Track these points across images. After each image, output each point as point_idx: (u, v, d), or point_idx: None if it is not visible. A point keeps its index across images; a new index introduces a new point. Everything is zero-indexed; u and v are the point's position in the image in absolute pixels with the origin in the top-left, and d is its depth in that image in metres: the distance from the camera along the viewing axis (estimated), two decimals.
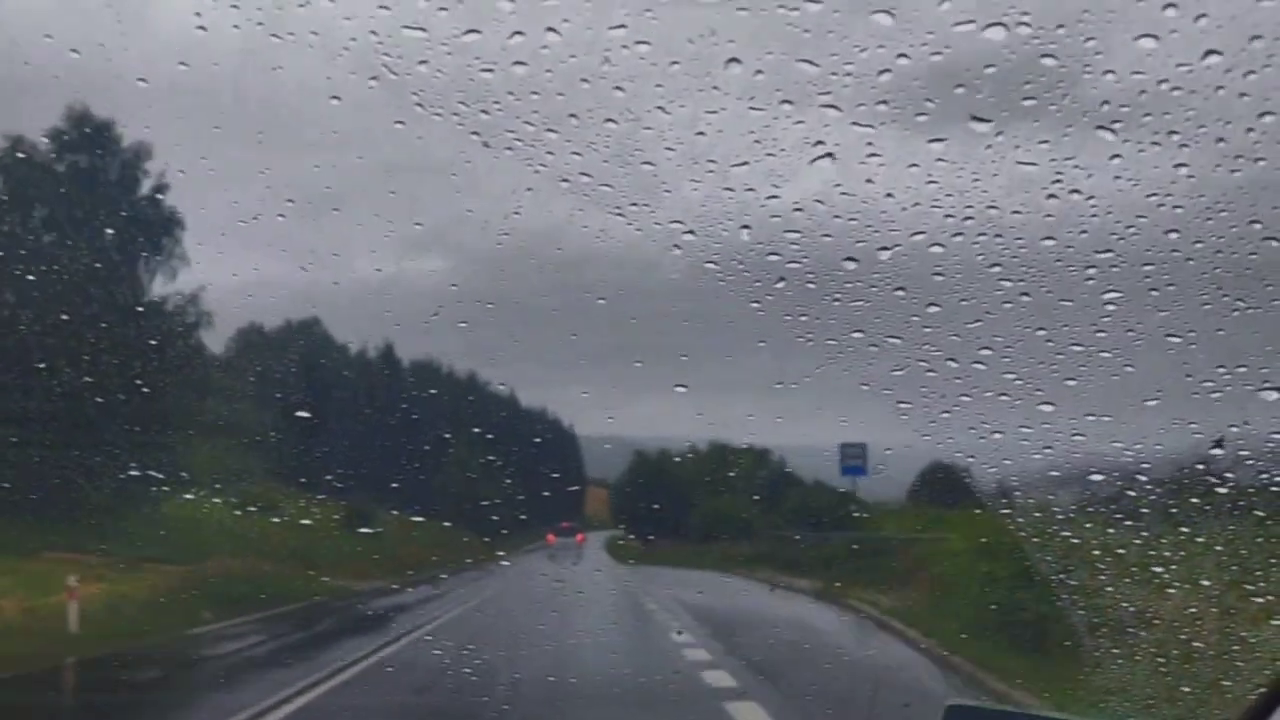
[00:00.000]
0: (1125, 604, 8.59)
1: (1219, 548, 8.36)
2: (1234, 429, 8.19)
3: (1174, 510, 8.50)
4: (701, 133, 5.86)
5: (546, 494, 29.77)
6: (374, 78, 5.62)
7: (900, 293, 6.80)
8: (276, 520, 23.28)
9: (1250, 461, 7.51)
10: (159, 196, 24.85)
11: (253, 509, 23.02)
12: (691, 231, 6.41)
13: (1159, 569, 8.48)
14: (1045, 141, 5.85)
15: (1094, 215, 6.37)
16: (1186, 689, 8.28)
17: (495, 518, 25.42)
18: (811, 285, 6.65)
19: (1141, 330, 7.03)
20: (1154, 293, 6.70)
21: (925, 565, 20.61)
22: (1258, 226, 6.23)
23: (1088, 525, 8.75)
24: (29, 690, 13.07)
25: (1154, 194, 6.16)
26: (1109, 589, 8.57)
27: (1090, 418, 8.03)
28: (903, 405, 8.08)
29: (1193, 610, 8.27)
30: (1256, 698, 2.63)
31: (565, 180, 6.11)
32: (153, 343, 21.52)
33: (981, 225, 6.38)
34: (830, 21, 5.26)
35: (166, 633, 16.73)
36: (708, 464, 31.91)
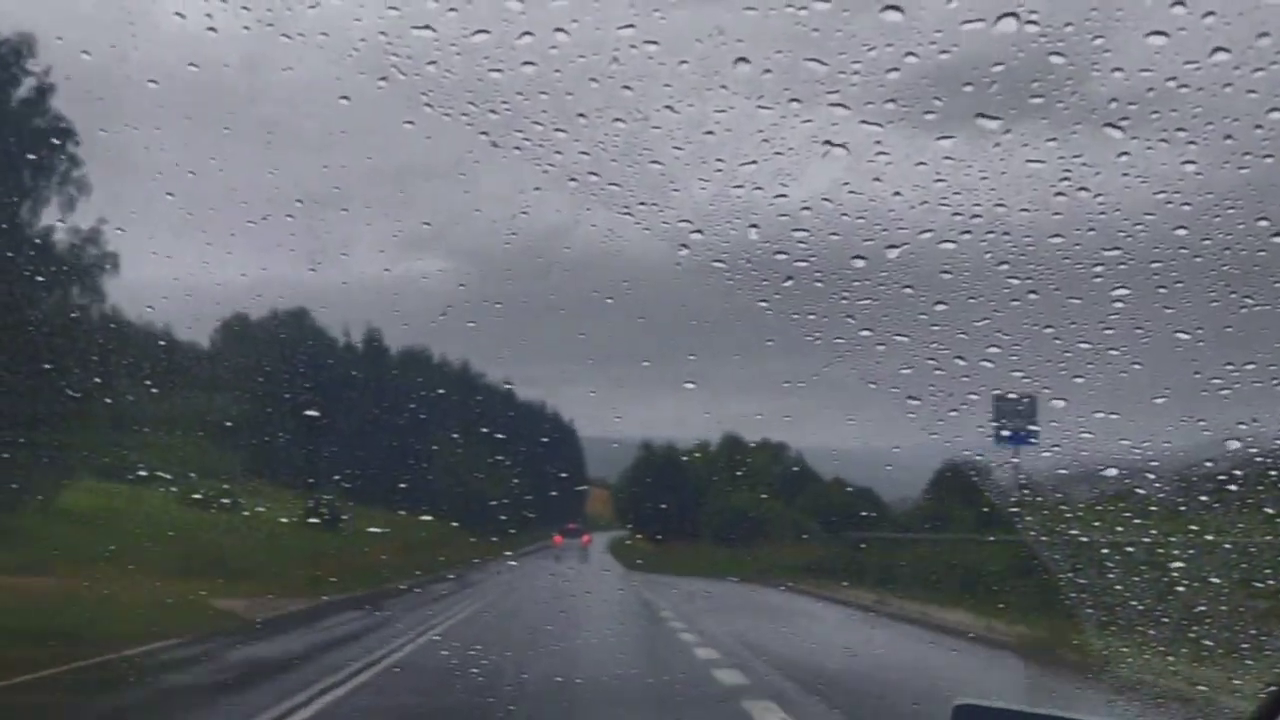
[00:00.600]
0: (1134, 602, 8.58)
1: (1228, 545, 8.36)
2: (1243, 426, 8.20)
3: (1183, 508, 8.51)
4: (710, 132, 5.89)
5: (551, 494, 28.77)
6: (383, 78, 5.66)
7: (908, 291, 6.81)
8: (242, 515, 21.69)
9: (1259, 459, 7.51)
10: (46, 102, 19.31)
11: (203, 500, 21.15)
12: (700, 230, 6.44)
13: (1168, 566, 8.48)
14: (1053, 139, 5.86)
15: (1102, 213, 6.38)
16: (1197, 687, 8.29)
17: (502, 517, 24.36)
18: (819, 284, 6.67)
19: (1149, 328, 7.03)
20: (1162, 290, 6.70)
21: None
22: (1265, 223, 6.24)
23: (1096, 523, 8.76)
24: None
25: (1161, 191, 6.17)
26: (1118, 587, 8.57)
27: (1099, 415, 8.05)
28: (911, 402, 8.11)
29: (1202, 608, 8.26)
30: (1267, 696, 2.63)
31: (573, 179, 6.14)
32: (43, 293, 18.54)
33: (989, 223, 6.40)
34: (838, 20, 5.28)
35: None
36: (719, 460, 29.77)
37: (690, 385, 9.81)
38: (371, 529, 23.11)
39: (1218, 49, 5.42)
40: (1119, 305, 6.86)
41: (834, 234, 6.44)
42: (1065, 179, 6.17)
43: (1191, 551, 8.51)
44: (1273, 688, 2.76)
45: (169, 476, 20.43)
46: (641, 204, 6.37)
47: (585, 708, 11.05)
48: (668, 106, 5.71)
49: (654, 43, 5.31)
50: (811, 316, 6.87)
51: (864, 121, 5.81)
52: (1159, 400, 7.63)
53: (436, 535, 25.62)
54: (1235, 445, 7.90)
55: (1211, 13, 5.31)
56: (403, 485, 23.52)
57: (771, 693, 11.48)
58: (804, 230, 6.42)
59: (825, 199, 6.30)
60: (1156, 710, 8.24)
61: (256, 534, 21.65)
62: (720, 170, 6.09)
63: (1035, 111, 5.70)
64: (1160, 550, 8.70)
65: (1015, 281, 6.76)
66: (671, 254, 6.55)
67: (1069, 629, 11.22)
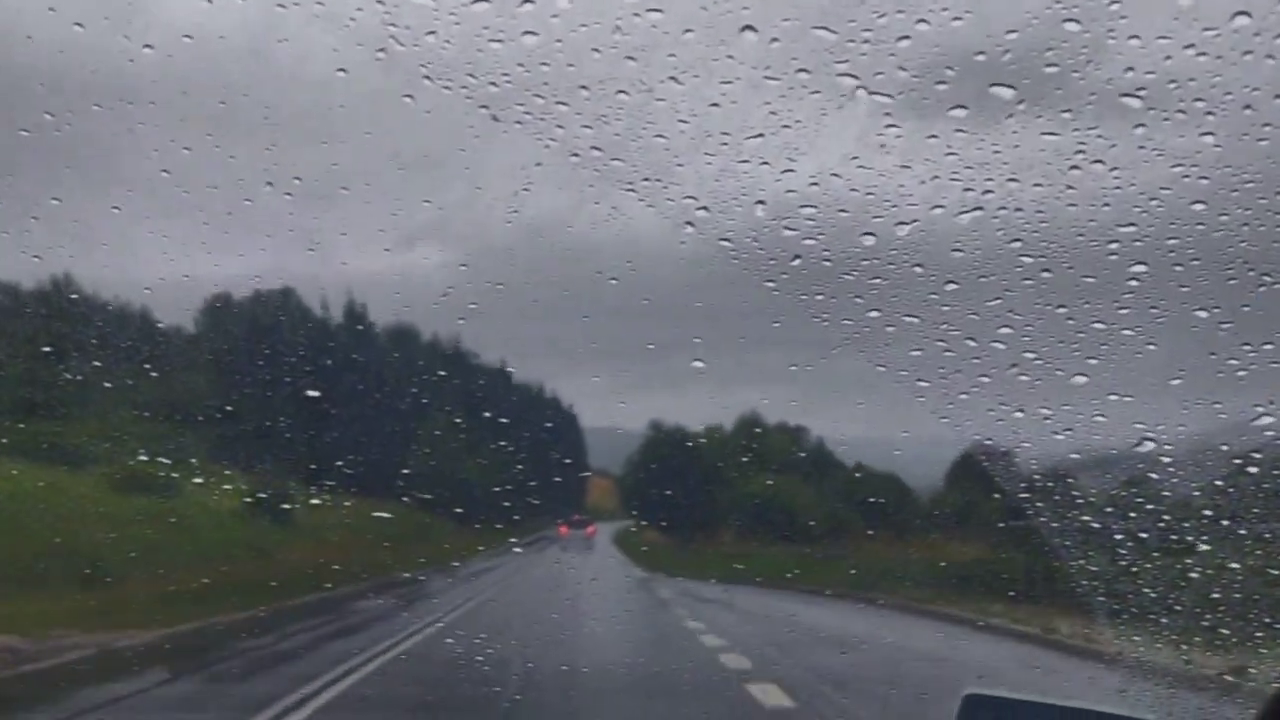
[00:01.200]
0: (1147, 590, 8.44)
1: (1243, 531, 8.22)
2: (1260, 409, 8.05)
3: (1197, 493, 8.37)
4: (715, 104, 5.75)
5: (553, 481, 26.52)
6: (381, 49, 5.53)
7: (918, 269, 6.67)
8: (171, 503, 19.05)
9: (1278, 442, 7.36)
10: None
11: (138, 484, 18.94)
12: (705, 207, 6.29)
13: (1181, 554, 8.36)
14: (1068, 110, 5.71)
15: (1117, 188, 6.23)
16: (1210, 676, 8.15)
17: (495, 507, 21.85)
18: (828, 262, 6.52)
19: (1165, 307, 6.88)
20: (1178, 268, 6.55)
21: None
22: None
23: (1109, 509, 8.61)
24: None
25: (1179, 165, 6.02)
26: (1131, 572, 8.44)
27: (1113, 397, 7.89)
28: (921, 384, 7.96)
29: (1216, 596, 8.13)
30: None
31: (576, 155, 6.00)
32: None
33: (1001, 199, 6.25)
34: None
35: None
36: (733, 442, 26.46)
37: (699, 364, 9.63)
38: (372, 519, 20.30)
39: (1238, 13, 5.27)
40: (1134, 284, 6.71)
41: (842, 210, 6.30)
42: (1080, 152, 6.02)
43: (1205, 538, 8.36)
44: None
45: (103, 460, 18.93)
46: (645, 180, 6.24)
47: None
48: (672, 78, 5.57)
49: (658, 10, 5.17)
50: (819, 296, 6.72)
51: (874, 93, 5.65)
52: (1174, 382, 7.47)
53: (412, 527, 23.01)
54: (1263, 422, 7.77)
55: None
56: (382, 471, 21.55)
57: None
58: (812, 207, 6.28)
59: (834, 174, 6.16)
60: (1169, 699, 8.10)
61: (181, 524, 18.66)
62: (726, 145, 5.95)
63: (1050, 81, 5.55)
64: (1174, 537, 8.57)
65: (1028, 259, 6.61)
66: (676, 232, 6.42)
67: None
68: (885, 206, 6.28)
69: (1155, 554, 8.61)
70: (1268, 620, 8.00)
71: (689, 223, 6.29)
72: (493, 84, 5.57)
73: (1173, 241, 6.41)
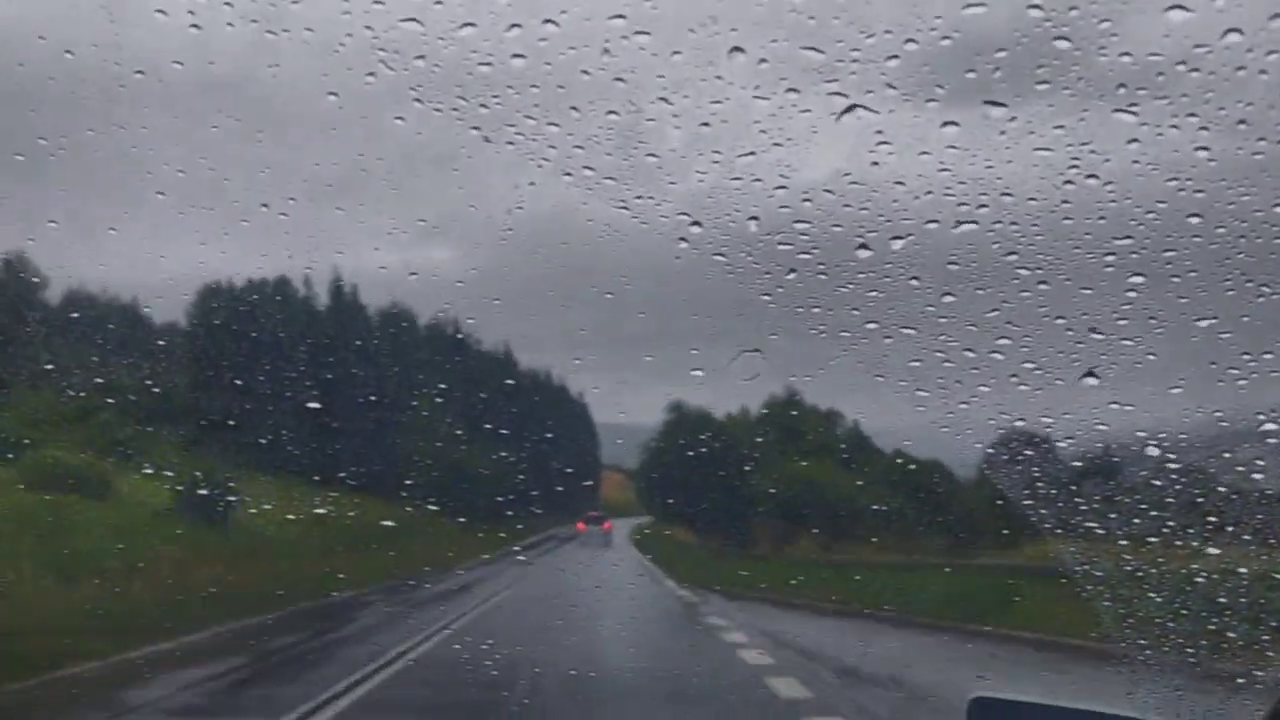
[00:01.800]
0: (1152, 594, 8.42)
1: (1247, 537, 8.19)
2: (1261, 416, 8.01)
3: (1200, 500, 8.34)
4: (706, 124, 5.76)
5: (566, 473, 24.12)
6: (371, 73, 5.55)
7: (914, 282, 6.67)
8: (85, 499, 16.56)
9: None
10: None
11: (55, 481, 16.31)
12: (698, 223, 6.31)
13: (1186, 559, 8.33)
14: (1060, 126, 5.70)
15: (1112, 200, 6.21)
16: (1216, 680, 8.13)
17: (489, 503, 19.74)
18: (823, 276, 6.53)
19: (1163, 317, 6.86)
20: (1175, 279, 6.52)
21: None
22: None
23: (1112, 515, 8.59)
24: None
25: (1174, 178, 5.99)
26: (1137, 577, 8.43)
27: (1114, 406, 7.87)
28: (920, 394, 7.97)
29: (1223, 600, 8.10)
30: None
31: (568, 174, 6.03)
32: None
33: (996, 213, 6.24)
34: (835, 7, 5.13)
35: None
36: (764, 427, 22.91)
37: (698, 372, 9.68)
38: (319, 519, 17.65)
39: (1229, 30, 5.23)
40: (1132, 295, 6.69)
41: (836, 225, 6.30)
42: (1074, 166, 6.00)
43: (1210, 543, 8.34)
44: None
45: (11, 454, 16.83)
46: (639, 197, 6.26)
47: None
48: (662, 98, 5.59)
49: (645, 33, 5.18)
50: (816, 309, 6.74)
51: (865, 110, 5.65)
52: (1175, 391, 7.45)
53: (394, 528, 19.65)
54: (1265, 429, 7.73)
55: None
56: (367, 462, 19.45)
57: None
58: (806, 222, 6.29)
59: (827, 190, 6.17)
60: (1176, 702, 8.09)
61: (93, 527, 15.75)
62: (718, 162, 5.96)
63: (1041, 98, 5.54)
64: (1179, 543, 8.54)
65: (1025, 272, 6.60)
66: (671, 247, 6.44)
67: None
68: (880, 221, 6.28)
69: (1160, 559, 8.58)
70: (1274, 624, 7.96)
71: (683, 238, 6.31)
72: (483, 106, 5.60)
73: (1170, 254, 6.38)
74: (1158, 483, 8.30)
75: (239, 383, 18.73)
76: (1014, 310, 6.80)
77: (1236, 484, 7.96)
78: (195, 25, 5.63)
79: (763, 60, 5.34)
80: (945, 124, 5.73)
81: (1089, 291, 6.66)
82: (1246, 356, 6.85)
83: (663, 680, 11.37)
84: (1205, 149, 5.75)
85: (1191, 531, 8.33)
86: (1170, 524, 8.44)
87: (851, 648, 13.93)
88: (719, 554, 24.39)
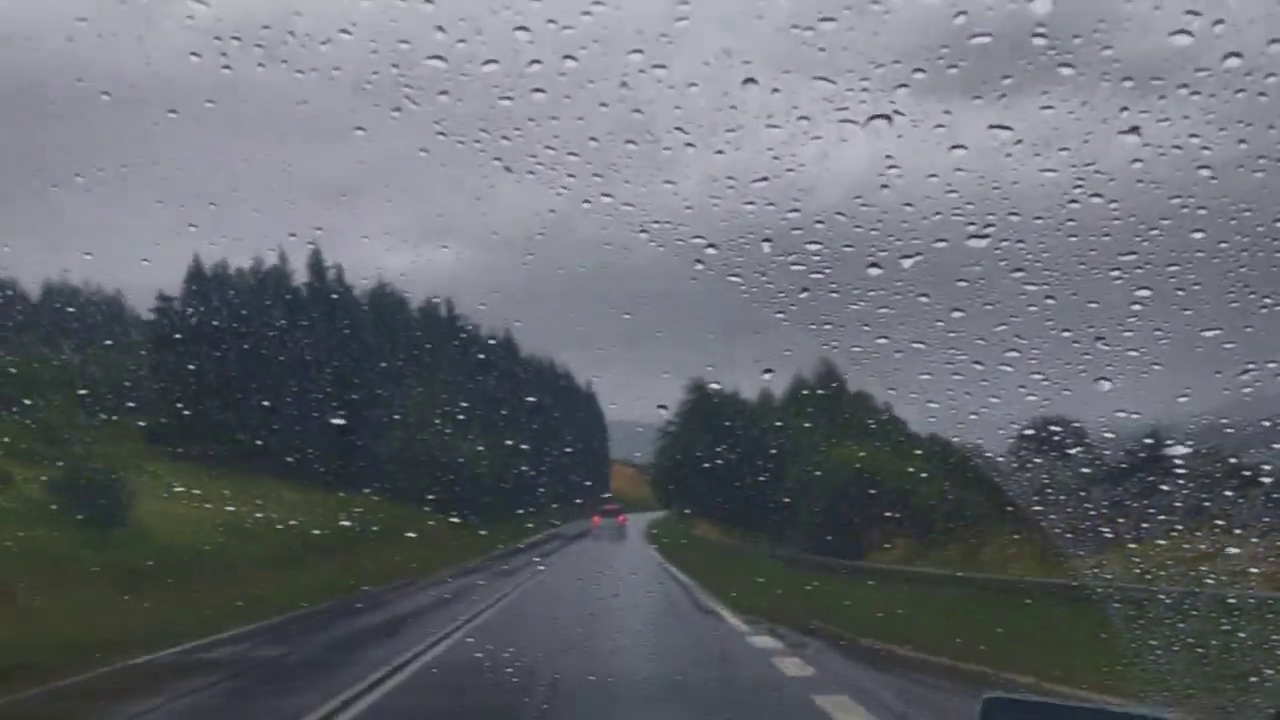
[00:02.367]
0: (1162, 596, 8.57)
1: (1255, 540, 8.33)
2: (1266, 423, 8.17)
3: (1207, 504, 8.48)
4: (720, 151, 5.93)
5: (569, 461, 22.27)
6: (397, 109, 5.74)
7: (924, 299, 6.83)
8: None
9: None
10: None
11: None
12: (714, 246, 6.49)
13: (1195, 562, 8.47)
14: (1065, 148, 5.86)
15: (1116, 219, 6.37)
16: (1227, 679, 8.26)
17: (485, 500, 17.68)
18: (835, 294, 6.70)
19: (1169, 328, 7.02)
20: (1180, 292, 6.68)
21: None
22: None
23: (1120, 520, 8.74)
24: None
25: (1176, 196, 6.15)
26: (1146, 580, 8.58)
27: (1120, 414, 8.03)
28: (931, 405, 8.14)
29: (1232, 601, 8.24)
30: None
31: (587, 201, 6.20)
32: None
33: (1003, 231, 6.40)
34: (845, 39, 5.30)
35: None
36: (794, 407, 19.52)
37: (715, 386, 9.83)
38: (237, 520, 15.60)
39: (1230, 54, 5.39)
40: (1137, 308, 6.85)
41: (848, 245, 6.47)
42: (1079, 186, 6.16)
43: (1219, 547, 8.49)
44: None
45: None
46: (656, 223, 6.44)
47: None
48: (678, 128, 5.76)
49: (662, 67, 5.36)
50: (828, 326, 6.90)
51: (874, 136, 5.81)
52: (1181, 399, 7.61)
53: (350, 531, 16.33)
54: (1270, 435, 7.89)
55: (1221, 20, 5.28)
56: (335, 454, 17.33)
57: None
58: (818, 243, 6.46)
59: (839, 212, 6.34)
60: (1186, 703, 8.22)
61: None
62: (733, 188, 6.14)
63: (1045, 122, 5.70)
64: (1186, 546, 8.69)
65: (1032, 287, 6.76)
66: (687, 269, 6.61)
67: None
68: (890, 241, 6.45)
69: (1169, 562, 8.73)
70: None
71: (699, 260, 6.49)
72: (505, 138, 5.78)
73: (1174, 269, 6.54)
74: (1165, 487, 8.46)
75: (203, 374, 17.52)
76: (1022, 324, 6.98)
77: (1243, 489, 8.12)
78: (227, 67, 5.82)
79: (775, 90, 5.51)
80: (953, 147, 5.89)
81: (1095, 305, 6.83)
82: (1251, 365, 7.01)
83: None
84: (1207, 168, 5.90)
85: (1199, 535, 8.48)
86: (1179, 528, 8.59)
87: None
88: (773, 562, 18.66)
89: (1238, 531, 8.34)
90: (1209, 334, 6.94)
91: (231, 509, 16.29)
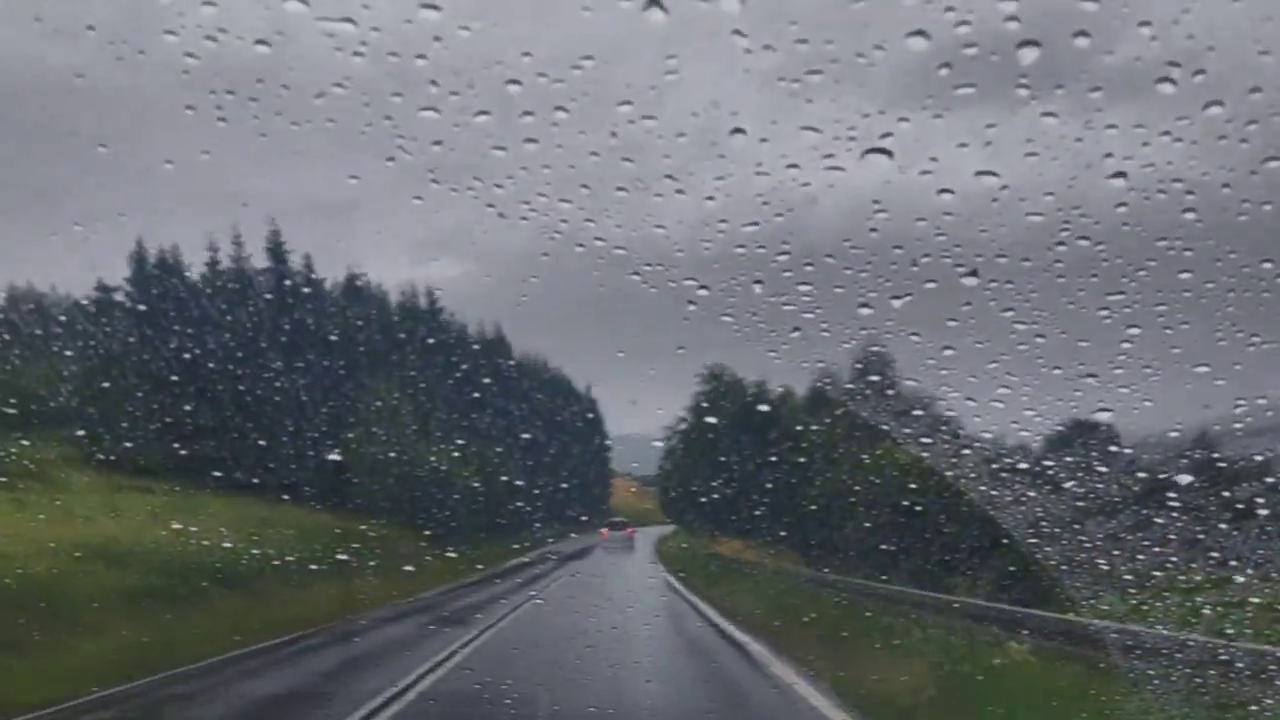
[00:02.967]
0: (1160, 627, 8.60)
1: (1250, 571, 8.36)
2: (1258, 456, 8.21)
3: (1202, 536, 8.52)
4: (711, 197, 6.02)
5: (565, 473, 20.18)
6: (390, 158, 5.83)
7: (915, 338, 6.92)
8: None
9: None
10: None
11: None
12: (706, 287, 6.57)
13: (1192, 592, 8.50)
14: (1050, 194, 5.94)
15: (1104, 260, 6.45)
16: (1225, 708, 8.28)
17: (446, 514, 15.07)
18: (826, 334, 6.77)
19: (1159, 366, 7.10)
20: (1168, 331, 6.75)
21: None
22: (1269, 265, 6.26)
23: (1115, 552, 8.78)
24: None
25: (1163, 239, 6.23)
26: (1142, 610, 8.61)
27: (1112, 449, 8.10)
28: (925, 441, 8.18)
29: (1229, 631, 8.27)
30: None
31: (580, 245, 6.29)
32: None
33: (992, 273, 6.47)
34: (832, 90, 5.38)
35: None
36: (817, 408, 16.48)
37: (711, 420, 9.93)
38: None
39: (1211, 103, 5.47)
40: (1126, 345, 6.93)
41: (838, 286, 6.55)
42: (1065, 229, 6.25)
43: (1213, 577, 8.52)
44: None
45: None
46: (648, 265, 6.53)
47: None
48: (668, 176, 5.85)
49: (651, 117, 5.45)
50: (820, 364, 6.97)
51: (860, 183, 5.89)
52: (1172, 434, 7.68)
53: (262, 557, 12.78)
54: (1254, 474, 7.93)
55: (1202, 71, 5.36)
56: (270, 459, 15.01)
57: None
58: (808, 284, 6.54)
59: (828, 255, 6.42)
60: None
61: None
62: (723, 233, 6.23)
63: (1031, 168, 5.78)
64: (1182, 578, 8.72)
65: (1021, 326, 6.84)
66: (680, 309, 6.69)
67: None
68: (879, 282, 6.53)
69: (1165, 593, 8.76)
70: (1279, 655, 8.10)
71: (691, 302, 6.57)
72: (498, 186, 5.88)
73: (1162, 308, 6.62)
74: (1159, 521, 8.50)
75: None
76: (1011, 362, 7.05)
77: (1238, 520, 8.16)
78: (222, 119, 5.92)
79: (763, 139, 5.60)
80: (940, 191, 5.97)
81: (1085, 344, 6.90)
82: (1241, 401, 7.08)
83: None
84: (1192, 210, 5.98)
85: (1195, 565, 8.52)
86: (1174, 559, 8.63)
87: None
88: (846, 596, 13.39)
89: (1233, 563, 8.37)
90: (1199, 370, 7.02)
91: (115, 531, 13.08)
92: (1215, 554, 8.45)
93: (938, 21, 4.73)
